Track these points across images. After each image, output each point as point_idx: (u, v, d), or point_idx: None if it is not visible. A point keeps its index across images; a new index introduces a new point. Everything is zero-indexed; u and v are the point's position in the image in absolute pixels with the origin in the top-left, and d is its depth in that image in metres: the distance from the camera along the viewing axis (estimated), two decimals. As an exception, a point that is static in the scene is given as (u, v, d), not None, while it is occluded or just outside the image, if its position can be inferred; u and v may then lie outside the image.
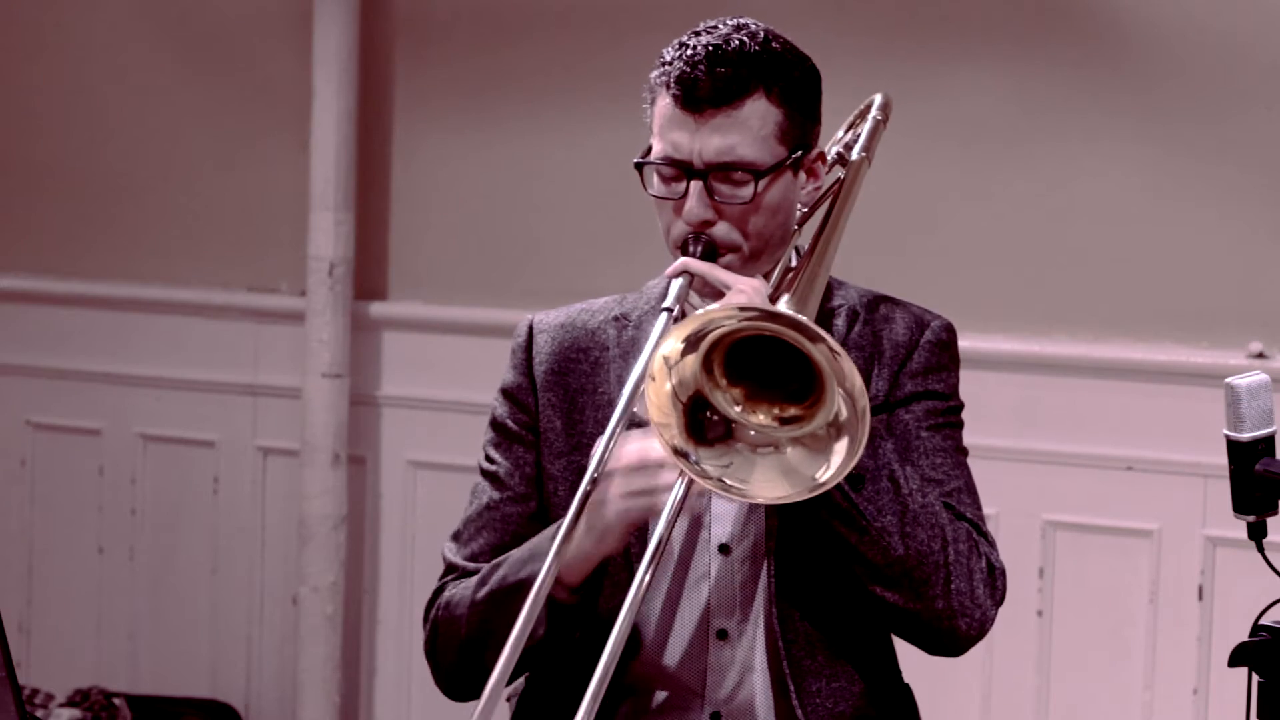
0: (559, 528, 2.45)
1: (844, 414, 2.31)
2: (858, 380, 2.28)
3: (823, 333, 2.28)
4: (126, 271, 5.05)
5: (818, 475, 2.33)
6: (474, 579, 2.60)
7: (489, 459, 2.70)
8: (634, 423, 2.46)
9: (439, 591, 2.66)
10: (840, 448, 2.32)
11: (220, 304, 4.93)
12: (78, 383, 5.10)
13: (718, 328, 2.33)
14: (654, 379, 2.34)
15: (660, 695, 2.60)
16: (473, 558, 2.66)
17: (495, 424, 2.70)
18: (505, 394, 2.70)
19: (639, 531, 2.52)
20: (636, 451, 2.44)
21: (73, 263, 5.11)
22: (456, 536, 2.69)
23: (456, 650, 2.60)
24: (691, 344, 2.34)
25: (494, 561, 2.59)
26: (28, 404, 5.16)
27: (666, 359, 2.34)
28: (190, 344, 4.96)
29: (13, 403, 5.17)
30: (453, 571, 2.67)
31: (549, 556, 2.39)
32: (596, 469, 2.44)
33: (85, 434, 5.10)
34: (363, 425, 4.77)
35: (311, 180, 4.68)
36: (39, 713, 4.84)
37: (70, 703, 4.91)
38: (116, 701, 4.89)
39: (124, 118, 5.03)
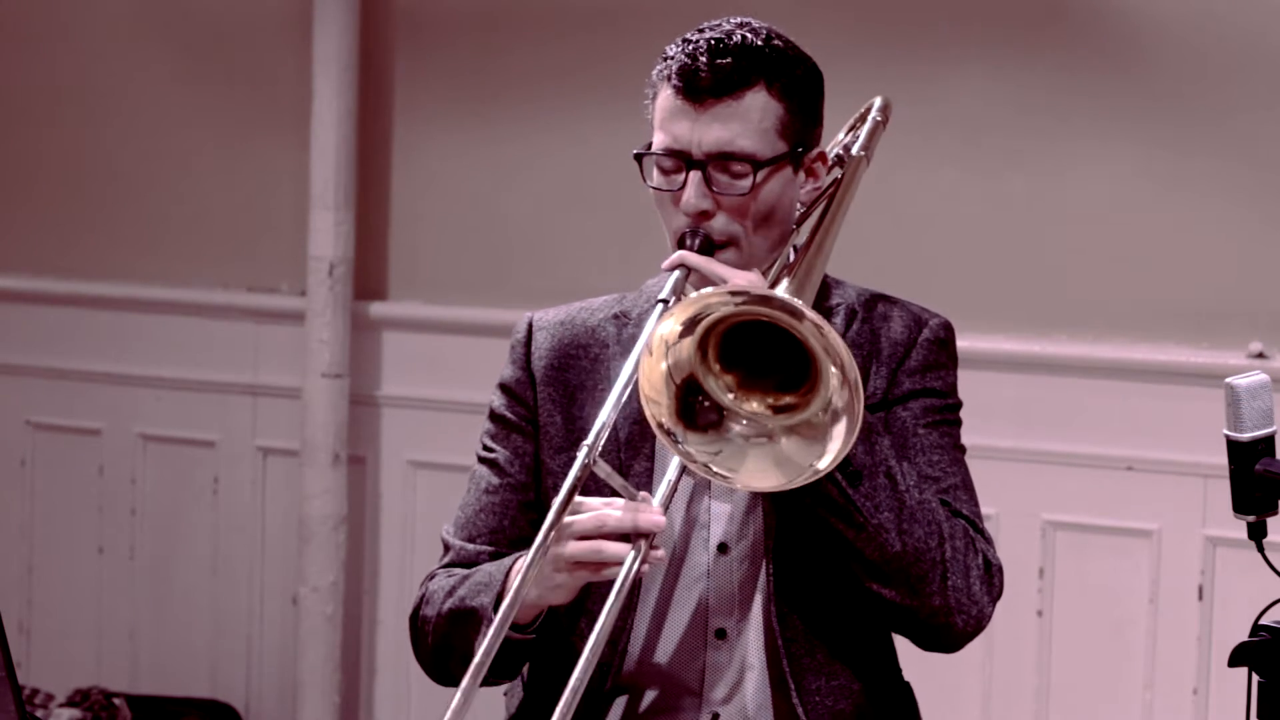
0: (518, 564, 2.48)
1: (838, 400, 2.31)
2: (849, 359, 2.28)
3: (812, 313, 2.28)
4: (126, 271, 5.05)
5: (816, 463, 2.34)
6: (450, 581, 2.62)
7: (487, 448, 2.71)
8: (591, 486, 2.45)
9: (431, 576, 2.68)
10: (838, 432, 2.32)
11: (220, 304, 4.93)
12: (78, 383, 5.10)
13: (714, 311, 2.33)
14: (650, 354, 2.35)
15: (658, 695, 2.60)
16: (470, 540, 2.68)
17: (493, 415, 2.71)
18: (504, 388, 2.71)
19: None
20: (592, 518, 2.42)
21: (73, 263, 5.11)
22: (455, 520, 2.71)
23: (429, 652, 2.64)
24: (689, 327, 2.35)
25: (464, 573, 2.61)
26: (28, 404, 5.16)
27: (665, 339, 2.34)
28: (190, 344, 4.96)
29: (13, 403, 5.17)
30: (450, 552, 2.69)
31: (495, 620, 2.38)
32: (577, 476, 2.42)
33: (85, 434, 5.10)
34: (363, 425, 4.77)
35: (311, 180, 4.68)
36: (39, 713, 4.84)
37: (70, 703, 4.91)
38: (116, 701, 4.89)
39: (124, 117, 5.03)
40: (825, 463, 2.33)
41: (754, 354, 2.38)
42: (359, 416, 4.76)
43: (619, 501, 2.41)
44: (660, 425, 2.36)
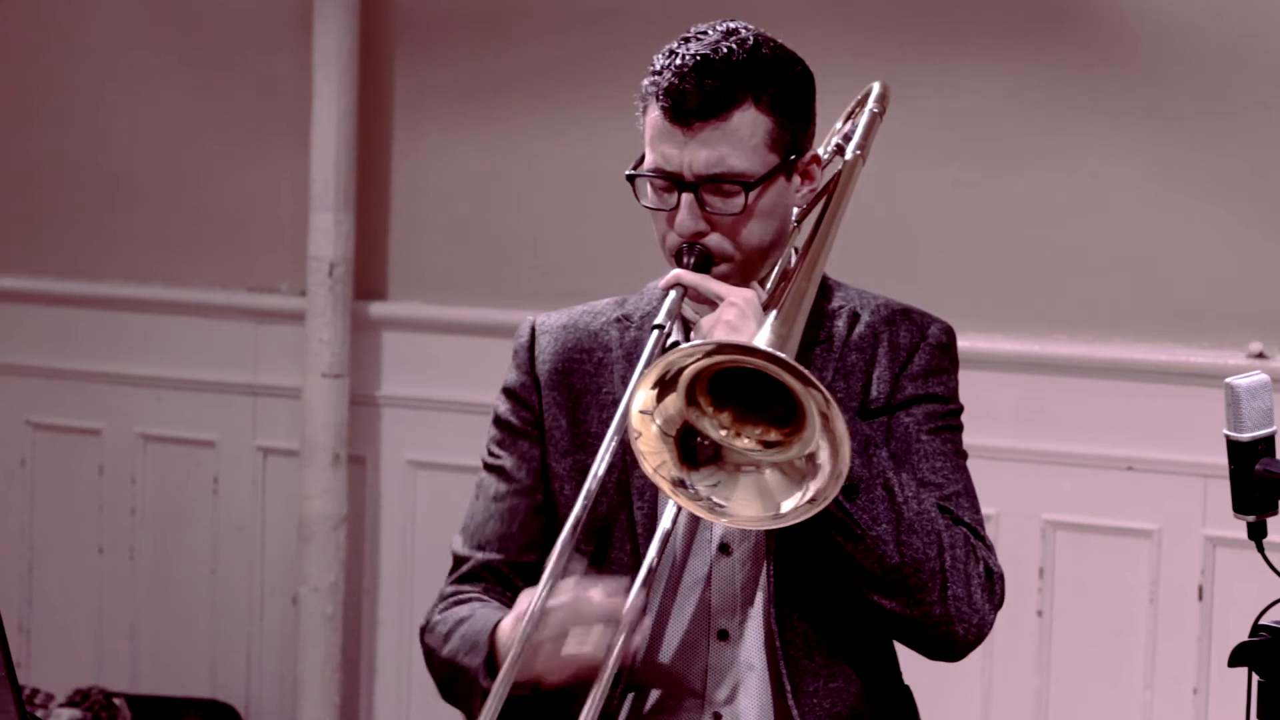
0: (500, 628, 2.49)
1: (822, 456, 2.32)
2: (842, 429, 2.29)
3: (812, 377, 2.29)
4: (126, 271, 5.05)
5: (782, 505, 2.34)
6: (447, 625, 2.62)
7: (492, 454, 2.71)
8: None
9: (442, 597, 2.69)
10: (812, 486, 2.33)
11: (220, 304, 4.93)
12: (78, 383, 5.10)
13: (689, 365, 2.33)
14: (638, 434, 2.36)
15: (661, 696, 2.61)
16: (479, 548, 2.68)
17: (499, 421, 2.71)
18: (508, 393, 2.71)
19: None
20: (569, 613, 2.43)
21: (73, 263, 5.11)
22: (463, 530, 2.71)
23: (434, 677, 2.66)
24: (667, 384, 2.35)
25: (459, 616, 2.61)
26: (28, 404, 5.16)
27: (642, 412, 2.35)
28: (190, 344, 4.96)
29: (13, 403, 5.17)
30: (461, 563, 2.69)
31: (490, 702, 2.40)
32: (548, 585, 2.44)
33: (85, 434, 5.10)
34: (363, 425, 4.77)
35: (311, 180, 4.68)
36: (39, 713, 4.84)
37: (70, 703, 4.91)
38: (116, 701, 4.89)
39: (124, 118, 5.03)
40: (789, 508, 2.34)
41: (747, 388, 2.38)
42: (359, 416, 4.76)
43: (594, 592, 2.42)
44: (671, 481, 2.37)
